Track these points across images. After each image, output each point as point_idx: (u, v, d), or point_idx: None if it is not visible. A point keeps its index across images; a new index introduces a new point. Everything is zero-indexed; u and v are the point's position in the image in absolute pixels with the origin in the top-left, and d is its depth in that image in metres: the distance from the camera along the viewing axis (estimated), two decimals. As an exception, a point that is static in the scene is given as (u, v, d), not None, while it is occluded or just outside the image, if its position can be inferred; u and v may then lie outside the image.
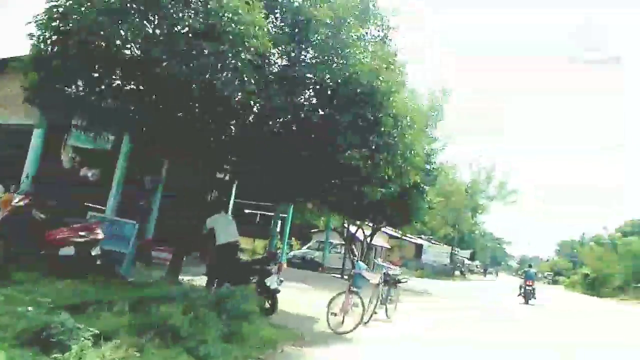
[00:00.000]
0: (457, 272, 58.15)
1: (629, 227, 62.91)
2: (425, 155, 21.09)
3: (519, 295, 24.64)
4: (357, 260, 11.84)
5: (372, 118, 8.84)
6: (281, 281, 9.50)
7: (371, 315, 10.47)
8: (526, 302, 23.50)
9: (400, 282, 12.20)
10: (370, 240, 25.44)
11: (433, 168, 21.48)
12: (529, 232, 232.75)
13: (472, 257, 79.28)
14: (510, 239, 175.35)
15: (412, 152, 9.79)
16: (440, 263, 47.94)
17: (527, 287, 24.03)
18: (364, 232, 25.30)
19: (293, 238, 36.71)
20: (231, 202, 15.33)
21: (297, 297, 12.78)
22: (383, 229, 49.40)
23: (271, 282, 9.14)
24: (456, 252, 63.02)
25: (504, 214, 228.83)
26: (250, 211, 28.74)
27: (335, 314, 9.45)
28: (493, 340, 10.75)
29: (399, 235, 51.34)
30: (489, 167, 26.96)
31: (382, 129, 8.98)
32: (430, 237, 62.20)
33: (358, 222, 24.71)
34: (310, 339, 8.11)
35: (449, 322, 13.08)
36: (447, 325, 12.53)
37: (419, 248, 48.79)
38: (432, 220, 29.14)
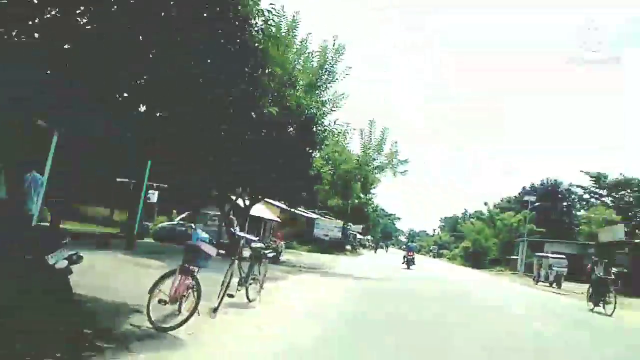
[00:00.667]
0: (348, 247, 58.11)
1: (505, 203, 67.39)
2: (312, 115, 18.99)
3: (402, 263, 32.20)
4: (235, 233, 9.05)
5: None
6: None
7: (221, 300, 7.84)
8: (408, 268, 30.81)
9: (267, 257, 9.69)
10: (248, 210, 22.79)
11: (319, 130, 19.26)
12: (418, 208, 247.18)
13: (364, 232, 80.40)
14: (400, 215, 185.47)
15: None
16: (333, 237, 47.00)
17: (409, 257, 32.12)
18: (244, 202, 22.57)
19: (175, 210, 32.98)
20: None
21: (134, 278, 9.76)
22: (273, 202, 47.17)
23: (56, 258, 6.05)
24: (348, 227, 63.02)
25: (395, 189, 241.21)
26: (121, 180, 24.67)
27: (166, 302, 6.71)
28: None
29: (288, 208, 49.58)
30: (379, 135, 25.58)
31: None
32: (325, 212, 61.43)
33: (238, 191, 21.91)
34: (110, 339, 5.28)
35: (328, 299, 11.00)
36: (324, 305, 10.34)
37: (311, 222, 47.36)
38: (321, 191, 27.25)
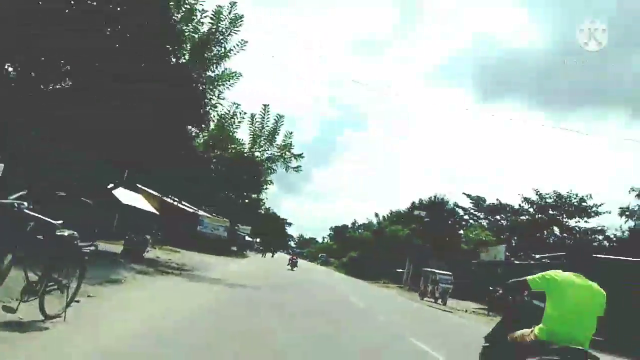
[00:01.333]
0: (234, 248, 54.59)
1: (394, 217, 68.47)
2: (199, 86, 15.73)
3: (287, 265, 39.51)
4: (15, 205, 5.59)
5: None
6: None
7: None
8: (292, 269, 37.41)
9: (82, 254, 6.38)
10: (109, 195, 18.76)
11: (207, 107, 15.99)
12: (309, 215, 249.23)
13: (253, 234, 77.29)
14: (291, 220, 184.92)
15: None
16: (218, 237, 43.31)
17: (293, 260, 40.58)
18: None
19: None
20: None
21: None
22: (153, 192, 42.17)
23: None
24: (237, 227, 59.51)
25: (286, 193, 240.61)
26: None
27: None
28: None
29: (173, 201, 44.95)
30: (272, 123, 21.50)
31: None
32: (213, 208, 57.27)
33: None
34: None
35: (178, 313, 7.94)
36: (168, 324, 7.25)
37: (195, 218, 43.25)
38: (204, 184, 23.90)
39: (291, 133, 18.10)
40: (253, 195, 57.21)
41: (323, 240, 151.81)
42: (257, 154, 18.76)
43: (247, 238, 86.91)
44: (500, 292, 4.92)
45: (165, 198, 45.77)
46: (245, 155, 17.94)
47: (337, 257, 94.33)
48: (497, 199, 64.91)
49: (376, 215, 60.16)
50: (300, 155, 17.83)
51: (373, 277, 54.01)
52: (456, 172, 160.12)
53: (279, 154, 17.89)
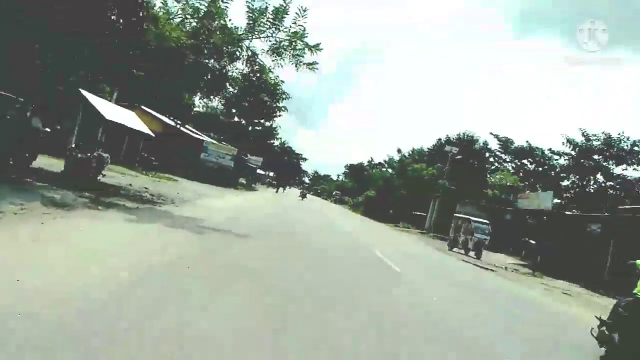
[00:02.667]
0: (242, 180, 50.63)
1: (417, 154, 63.32)
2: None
3: (298, 196, 47.59)
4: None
5: None
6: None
7: None
8: (302, 199, 45.65)
9: None
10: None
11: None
12: (324, 151, 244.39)
13: (264, 166, 73.24)
14: (306, 156, 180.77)
15: None
16: (224, 166, 39.08)
17: (303, 193, 52.43)
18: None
19: None
20: None
21: None
22: (146, 109, 37.67)
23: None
24: (246, 157, 55.28)
25: (302, 130, 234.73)
26: None
27: None
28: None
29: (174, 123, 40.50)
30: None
31: None
32: (220, 137, 52.83)
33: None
34: None
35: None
36: None
37: (199, 144, 38.88)
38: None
39: (305, 11, 12.24)
40: (266, 123, 52.56)
41: (338, 177, 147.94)
42: (254, 43, 13.51)
43: (259, 171, 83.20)
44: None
45: (167, 120, 41.40)
46: (235, 38, 12.69)
47: (352, 196, 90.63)
48: (526, 141, 59.40)
49: (399, 151, 54.96)
50: (317, 47, 12.47)
51: (391, 219, 49.98)
52: (483, 113, 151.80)
53: (287, 41, 12.58)
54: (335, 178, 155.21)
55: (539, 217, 28.15)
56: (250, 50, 13.24)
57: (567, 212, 25.64)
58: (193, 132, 45.68)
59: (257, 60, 13.34)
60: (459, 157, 44.87)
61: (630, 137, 41.92)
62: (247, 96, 46.79)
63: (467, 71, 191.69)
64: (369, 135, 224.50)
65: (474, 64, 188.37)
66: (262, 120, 50.51)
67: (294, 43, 12.52)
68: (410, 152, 56.50)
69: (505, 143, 66.83)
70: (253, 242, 10.13)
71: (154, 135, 31.81)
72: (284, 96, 51.31)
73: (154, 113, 39.40)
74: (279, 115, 49.29)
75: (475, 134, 62.44)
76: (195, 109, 78.13)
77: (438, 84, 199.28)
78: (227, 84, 14.15)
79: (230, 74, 13.86)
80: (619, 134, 42.29)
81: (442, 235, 34.45)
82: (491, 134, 62.23)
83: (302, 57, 12.76)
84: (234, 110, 48.28)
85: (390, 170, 57.53)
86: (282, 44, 12.65)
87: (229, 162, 39.67)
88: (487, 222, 25.22)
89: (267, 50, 12.85)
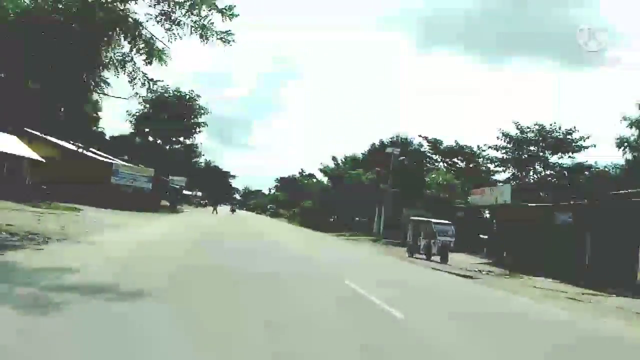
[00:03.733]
0: (165, 202, 45.18)
1: (350, 160, 60.86)
2: None
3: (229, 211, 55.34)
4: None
5: None
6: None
7: None
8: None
9: None
10: None
11: None
12: (253, 168, 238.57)
13: (189, 186, 67.55)
14: (236, 173, 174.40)
15: None
16: (140, 189, 33.72)
17: (232, 208, 68.61)
18: None
19: None
20: None
21: None
22: (37, 133, 31.93)
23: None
24: (166, 178, 49.75)
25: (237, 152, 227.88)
26: None
27: None
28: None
29: (74, 147, 34.62)
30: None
31: None
32: (134, 160, 46.96)
33: None
34: None
35: None
36: None
37: (107, 168, 33.24)
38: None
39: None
40: (186, 141, 47.45)
41: (270, 192, 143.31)
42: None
43: (185, 192, 76.93)
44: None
45: (66, 144, 35.35)
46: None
47: (287, 208, 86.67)
48: (455, 141, 59.26)
49: (333, 159, 51.90)
50: (230, 12, 8.46)
51: (332, 228, 46.67)
52: (412, 117, 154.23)
53: (186, 6, 8.47)
54: (267, 192, 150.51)
55: (502, 212, 25.90)
56: (131, 18, 8.99)
57: (530, 204, 23.46)
58: (100, 155, 39.71)
59: (143, 32, 9.05)
60: (401, 157, 42.37)
61: (562, 127, 41.74)
62: (160, 112, 41.74)
63: (385, 81, 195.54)
64: (297, 148, 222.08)
65: (387, 74, 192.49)
66: (181, 139, 45.40)
67: (196, 6, 8.53)
68: (343, 160, 53.78)
69: (435, 144, 66.55)
70: (149, 311, 5.61)
71: (43, 160, 26.15)
72: (202, 111, 46.77)
73: (49, 138, 33.33)
74: (199, 132, 44.62)
75: (409, 135, 61.40)
76: (102, 132, 70.86)
77: (361, 93, 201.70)
78: (102, 68, 9.66)
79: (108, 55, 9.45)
80: (551, 125, 41.96)
81: (393, 241, 31.56)
82: (420, 136, 61.45)
83: (209, 26, 8.79)
84: (146, 130, 42.84)
85: (324, 179, 54.39)
86: (177, 5, 8.59)
87: (145, 184, 34.35)
88: (449, 222, 22.43)
89: (157, 17, 8.72)
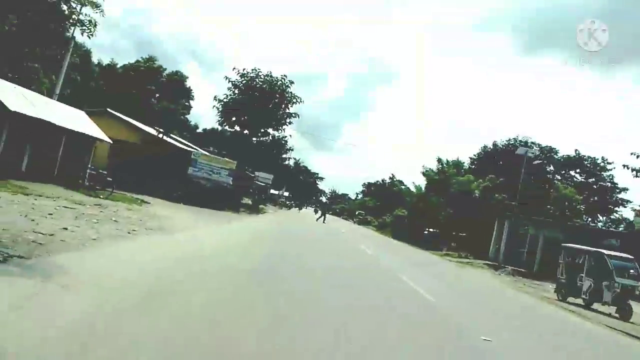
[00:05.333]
0: (247, 200, 41.46)
1: (454, 165, 53.57)
2: None
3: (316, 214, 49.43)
4: None
5: None
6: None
7: None
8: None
9: None
10: None
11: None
12: (342, 169, 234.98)
13: (276, 184, 64.17)
14: (324, 175, 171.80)
15: None
16: (219, 183, 29.93)
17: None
18: None
19: None
20: None
21: None
22: (127, 118, 29.49)
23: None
24: (252, 174, 46.23)
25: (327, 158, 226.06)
26: None
27: None
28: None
29: (156, 131, 31.77)
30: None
31: None
32: (220, 151, 43.86)
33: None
34: None
35: None
36: None
37: (184, 156, 29.83)
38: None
39: None
40: (274, 133, 43.39)
41: (357, 196, 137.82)
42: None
43: (272, 191, 74.01)
44: None
45: (144, 127, 32.62)
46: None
47: (375, 216, 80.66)
48: (575, 150, 49.77)
49: (439, 161, 44.68)
50: None
51: (427, 242, 40.10)
52: (506, 128, 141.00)
53: None
54: (353, 197, 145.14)
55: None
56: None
57: None
58: (180, 142, 36.74)
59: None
60: (537, 162, 34.50)
61: None
62: (250, 100, 37.99)
63: (480, 88, 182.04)
64: (387, 153, 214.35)
65: (485, 81, 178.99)
66: (270, 130, 41.16)
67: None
68: (447, 163, 46.65)
69: (548, 152, 57.19)
70: None
71: (110, 142, 22.88)
72: (294, 100, 42.41)
73: (128, 119, 30.72)
74: (290, 123, 40.15)
75: (531, 139, 52.21)
76: (195, 125, 69.84)
77: (458, 96, 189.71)
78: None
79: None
80: None
81: (517, 269, 24.70)
82: (530, 142, 52.74)
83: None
84: (233, 119, 39.26)
85: (421, 186, 47.73)
86: None
87: (226, 179, 30.50)
88: (631, 257, 15.41)
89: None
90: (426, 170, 44.44)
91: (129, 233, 10.25)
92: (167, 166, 28.11)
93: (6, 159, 15.88)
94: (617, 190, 55.45)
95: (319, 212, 50.39)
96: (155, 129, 32.69)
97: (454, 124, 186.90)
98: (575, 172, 59.60)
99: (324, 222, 39.66)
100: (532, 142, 49.75)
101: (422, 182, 50.56)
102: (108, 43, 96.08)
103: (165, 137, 31.82)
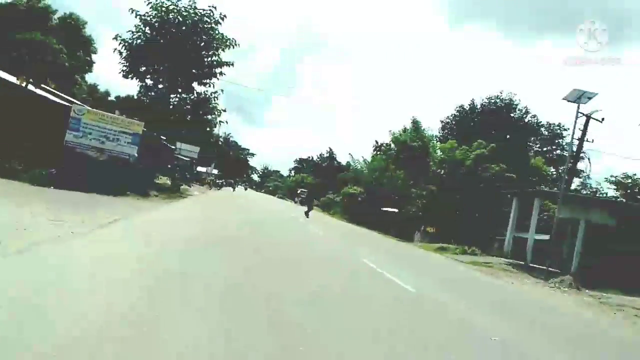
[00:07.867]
0: (165, 180, 31.09)
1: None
2: None
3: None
4: None
5: None
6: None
7: None
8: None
9: None
10: None
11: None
12: (272, 147, 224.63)
13: (202, 160, 53.61)
14: (254, 151, 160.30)
15: None
16: (117, 155, 19.61)
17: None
18: None
19: None
20: None
21: None
22: None
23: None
24: (175, 147, 35.74)
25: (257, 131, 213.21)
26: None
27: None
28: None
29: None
30: None
31: None
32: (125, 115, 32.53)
33: None
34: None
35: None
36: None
37: (60, 113, 19.09)
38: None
39: None
40: (201, 89, 32.94)
41: (290, 173, 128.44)
42: None
43: (200, 168, 62.80)
44: None
45: (10, 77, 21.10)
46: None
47: (316, 196, 72.14)
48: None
49: (414, 122, 34.83)
50: None
51: (393, 228, 32.27)
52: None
53: None
54: (285, 174, 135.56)
55: None
56: None
57: None
58: (58, 95, 25.24)
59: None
60: (601, 119, 24.26)
61: None
62: (165, 42, 27.37)
63: (418, 61, 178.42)
64: (320, 128, 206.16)
65: (419, 53, 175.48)
66: (195, 85, 30.49)
67: None
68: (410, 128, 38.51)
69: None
70: None
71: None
72: (226, 43, 31.85)
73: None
74: (221, 74, 29.86)
75: (514, 96, 43.41)
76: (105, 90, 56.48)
77: (402, 67, 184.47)
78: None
79: None
80: None
81: (539, 267, 17.11)
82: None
83: None
84: (143, 69, 28.45)
85: (381, 158, 39.53)
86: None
87: (128, 148, 20.22)
88: None
89: None
90: (396, 135, 35.99)
91: None
92: (36, 131, 17.49)
93: None
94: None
95: (305, 206, 37.24)
96: (19, 77, 21.48)
97: (391, 99, 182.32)
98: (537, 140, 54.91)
99: (307, 217, 29.81)
100: (512, 101, 42.64)
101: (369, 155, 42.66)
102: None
103: (35, 89, 20.69)
